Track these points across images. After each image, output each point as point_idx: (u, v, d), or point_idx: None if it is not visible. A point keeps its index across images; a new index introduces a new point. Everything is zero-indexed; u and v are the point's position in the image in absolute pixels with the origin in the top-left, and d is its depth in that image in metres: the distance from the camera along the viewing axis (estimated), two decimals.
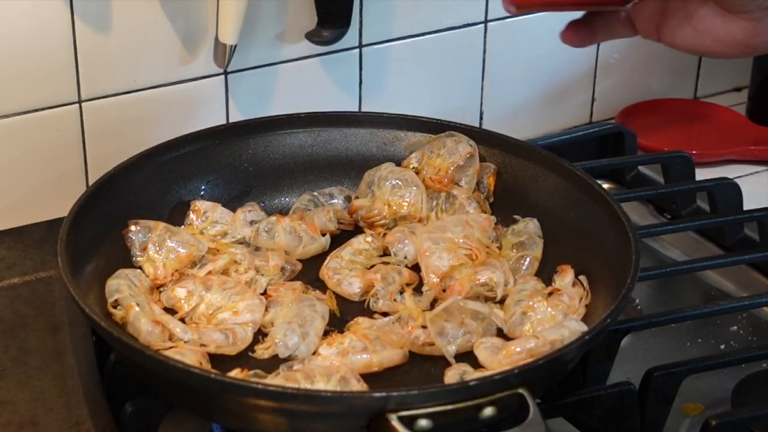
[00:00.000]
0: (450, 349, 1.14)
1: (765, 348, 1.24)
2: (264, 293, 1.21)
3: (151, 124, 1.40)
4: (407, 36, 1.50)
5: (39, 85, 1.33)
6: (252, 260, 1.24)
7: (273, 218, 1.29)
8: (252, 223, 1.28)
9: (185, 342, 1.12)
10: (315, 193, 1.33)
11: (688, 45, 1.06)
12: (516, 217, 1.30)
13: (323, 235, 1.29)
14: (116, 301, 1.16)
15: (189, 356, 1.09)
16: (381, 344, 1.12)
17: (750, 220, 1.42)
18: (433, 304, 1.20)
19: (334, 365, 1.10)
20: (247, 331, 1.15)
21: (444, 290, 1.21)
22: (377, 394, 1.01)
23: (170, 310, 1.19)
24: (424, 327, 1.15)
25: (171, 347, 1.11)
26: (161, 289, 1.21)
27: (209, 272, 1.22)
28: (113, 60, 1.36)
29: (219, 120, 1.43)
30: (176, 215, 1.28)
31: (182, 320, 1.17)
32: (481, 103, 1.59)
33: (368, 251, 1.26)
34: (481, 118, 1.61)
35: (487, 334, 1.16)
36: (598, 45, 1.63)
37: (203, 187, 1.31)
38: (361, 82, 1.50)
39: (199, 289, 1.19)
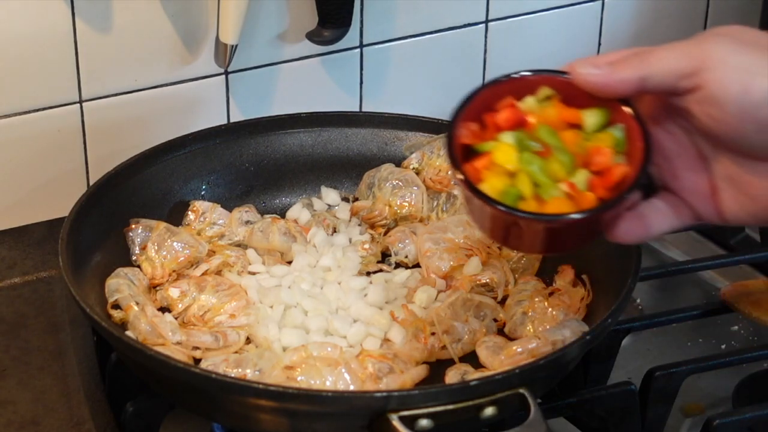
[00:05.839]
0: (456, 347, 1.14)
1: (766, 348, 1.25)
2: None
3: (152, 124, 1.40)
4: (408, 36, 1.50)
5: (40, 84, 1.33)
6: (245, 263, 1.24)
7: (268, 219, 1.29)
8: (247, 223, 1.28)
9: (174, 343, 1.12)
10: (309, 200, 1.34)
11: (751, 215, 0.98)
12: None
13: None
14: (116, 301, 1.16)
15: (176, 355, 1.09)
16: (403, 362, 1.12)
17: None
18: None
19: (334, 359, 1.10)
20: (240, 334, 1.15)
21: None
22: (378, 394, 1.01)
23: (168, 309, 1.19)
24: (433, 333, 1.15)
25: (161, 344, 1.12)
26: (158, 288, 1.21)
27: (204, 272, 1.22)
28: (114, 60, 1.35)
29: (220, 120, 1.43)
30: (176, 215, 1.29)
31: (177, 319, 1.17)
32: None
33: (366, 257, 1.27)
34: None
35: (488, 334, 1.16)
36: (599, 44, 1.63)
37: (204, 187, 1.31)
38: (361, 82, 1.50)
39: (192, 290, 1.19)
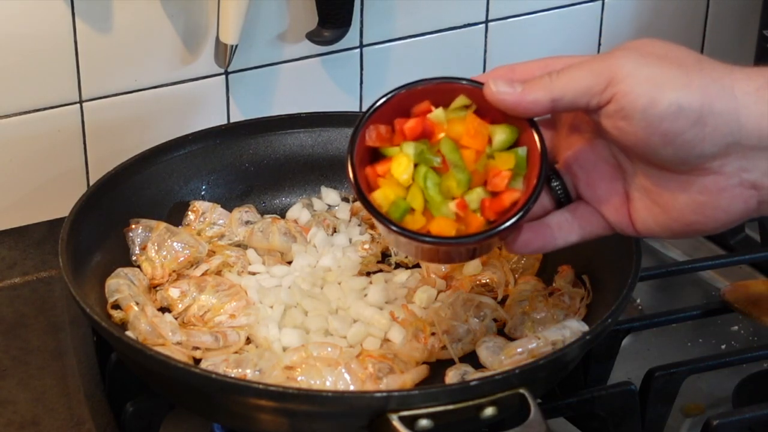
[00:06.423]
0: (456, 347, 1.14)
1: (766, 348, 1.25)
2: None
3: (152, 124, 1.40)
4: (408, 36, 1.50)
5: (40, 84, 1.33)
6: (245, 263, 1.24)
7: (268, 219, 1.29)
8: (247, 223, 1.28)
9: (174, 343, 1.12)
10: (309, 200, 1.34)
11: (662, 226, 0.99)
12: None
13: None
14: (116, 301, 1.16)
15: (176, 355, 1.09)
16: (403, 362, 1.12)
17: (751, 220, 1.42)
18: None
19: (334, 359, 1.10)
20: (240, 334, 1.15)
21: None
22: (378, 394, 1.01)
23: (168, 309, 1.19)
24: (433, 333, 1.15)
25: (161, 344, 1.12)
26: (158, 288, 1.21)
27: (204, 272, 1.22)
28: (114, 60, 1.36)
29: (220, 120, 1.43)
30: (176, 215, 1.29)
31: (177, 319, 1.17)
32: None
33: (366, 257, 1.26)
34: None
35: (488, 334, 1.16)
36: (599, 43, 1.63)
37: (204, 187, 1.31)
38: (362, 82, 1.50)
39: (192, 290, 1.19)
